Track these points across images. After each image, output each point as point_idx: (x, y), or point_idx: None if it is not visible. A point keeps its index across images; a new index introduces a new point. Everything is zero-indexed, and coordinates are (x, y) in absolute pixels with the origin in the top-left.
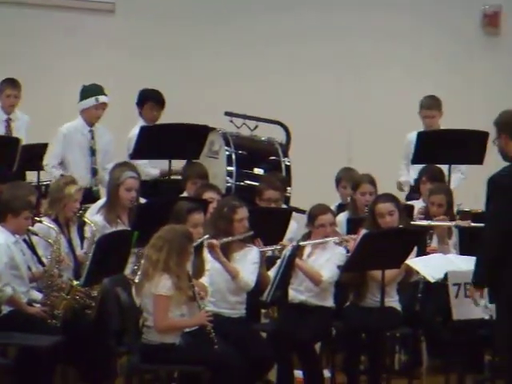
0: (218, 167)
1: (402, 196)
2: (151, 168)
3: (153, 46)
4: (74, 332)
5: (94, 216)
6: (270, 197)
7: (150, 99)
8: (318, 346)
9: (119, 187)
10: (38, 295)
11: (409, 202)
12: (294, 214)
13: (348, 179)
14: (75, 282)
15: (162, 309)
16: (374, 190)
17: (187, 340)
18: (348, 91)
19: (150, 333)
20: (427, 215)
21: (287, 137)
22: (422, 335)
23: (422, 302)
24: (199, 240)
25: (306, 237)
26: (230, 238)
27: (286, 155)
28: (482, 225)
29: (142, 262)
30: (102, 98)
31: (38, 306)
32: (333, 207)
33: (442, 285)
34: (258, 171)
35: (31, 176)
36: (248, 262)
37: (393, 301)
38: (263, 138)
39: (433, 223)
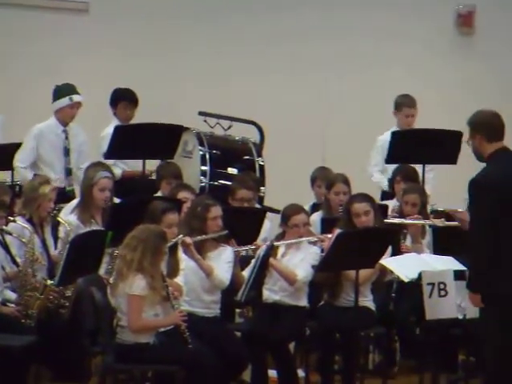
0: (192, 167)
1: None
2: (116, 168)
3: (127, 45)
4: (48, 332)
5: (68, 216)
6: (243, 196)
7: (124, 98)
8: (292, 346)
9: (93, 187)
10: (11, 295)
11: (383, 202)
12: (268, 213)
13: (323, 178)
14: (49, 282)
15: (136, 309)
16: (348, 189)
17: (161, 340)
18: (322, 90)
19: (124, 333)
20: (401, 214)
21: (261, 136)
22: (396, 335)
23: (395, 302)
24: (174, 240)
25: (280, 237)
26: (203, 237)
27: (259, 155)
28: (455, 223)
29: (117, 261)
30: (76, 98)
31: (12, 305)
32: (307, 207)
33: (415, 284)
34: (231, 171)
35: (5, 175)
36: (222, 261)
37: (367, 300)
38: (237, 138)
39: (406, 221)
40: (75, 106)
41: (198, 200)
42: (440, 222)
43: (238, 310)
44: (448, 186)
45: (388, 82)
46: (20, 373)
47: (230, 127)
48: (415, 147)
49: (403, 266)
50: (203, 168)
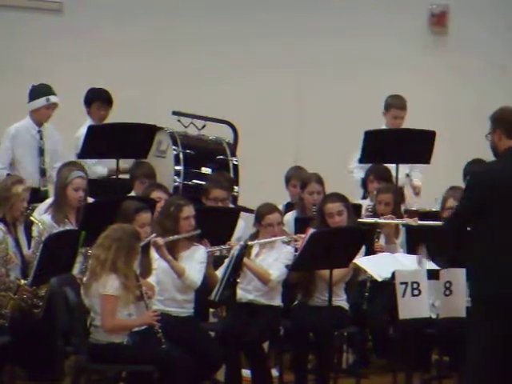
0: (166, 166)
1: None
2: (100, 166)
3: (100, 45)
4: (22, 331)
5: (41, 215)
6: (217, 196)
7: (97, 98)
8: (266, 345)
9: (67, 187)
10: None
11: (357, 202)
12: (242, 213)
13: (297, 178)
14: (23, 282)
15: (110, 309)
16: (322, 189)
17: (135, 339)
18: (296, 90)
19: (98, 332)
20: (375, 214)
21: (235, 136)
22: (370, 334)
23: (369, 301)
24: (146, 239)
25: (254, 236)
26: (175, 237)
27: (233, 154)
28: (429, 223)
29: (90, 261)
30: (52, 98)
31: None
32: (281, 206)
33: (389, 284)
34: (205, 170)
35: None
36: (195, 261)
37: (340, 300)
38: (211, 138)
39: (380, 221)
40: (51, 106)
41: (171, 200)
42: (413, 222)
43: (211, 310)
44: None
45: (361, 81)
46: None
47: (203, 127)
48: (388, 147)
49: (377, 265)
50: (177, 168)
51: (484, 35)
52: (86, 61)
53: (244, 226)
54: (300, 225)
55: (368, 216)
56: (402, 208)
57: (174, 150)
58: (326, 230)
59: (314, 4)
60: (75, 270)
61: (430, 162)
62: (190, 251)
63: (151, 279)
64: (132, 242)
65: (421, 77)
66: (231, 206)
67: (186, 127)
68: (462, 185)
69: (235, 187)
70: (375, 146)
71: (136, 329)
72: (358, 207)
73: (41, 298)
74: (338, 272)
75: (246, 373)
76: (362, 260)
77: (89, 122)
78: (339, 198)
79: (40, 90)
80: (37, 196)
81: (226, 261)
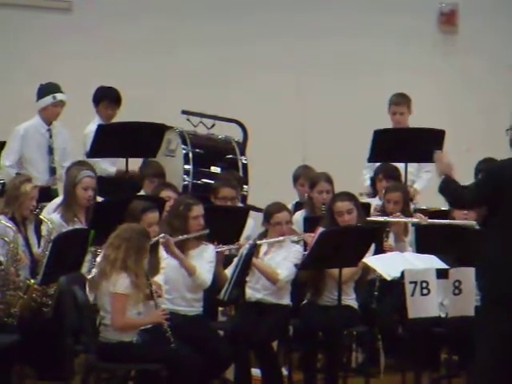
0: (175, 166)
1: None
2: (109, 165)
3: (110, 44)
4: (31, 330)
5: (51, 214)
6: (226, 195)
7: (106, 97)
8: (274, 344)
9: (76, 186)
10: None
11: (366, 201)
12: (251, 212)
13: (305, 177)
14: (32, 281)
15: (120, 307)
16: (331, 188)
17: (144, 338)
18: (305, 90)
19: (107, 331)
20: (383, 213)
21: (244, 135)
22: (379, 333)
23: (378, 300)
24: (154, 239)
25: (263, 235)
26: (185, 236)
27: (243, 153)
28: (439, 221)
29: (99, 260)
30: (59, 96)
31: None
32: (290, 206)
33: (398, 283)
34: (214, 169)
35: None
36: (204, 261)
37: (350, 299)
38: (220, 137)
39: (389, 219)
40: (59, 104)
41: (180, 199)
42: (423, 220)
43: (220, 309)
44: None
45: (369, 80)
46: (3, 372)
47: (213, 126)
48: (397, 146)
49: (386, 264)
50: (186, 167)
51: (493, 34)
52: (95, 60)
53: (253, 225)
54: (309, 224)
55: (377, 215)
56: (412, 207)
57: (184, 149)
58: (335, 228)
59: (321, 3)
60: (84, 269)
61: None
62: (199, 250)
63: (159, 278)
64: (141, 240)
65: (429, 76)
66: (240, 205)
67: (195, 126)
68: None
69: (244, 186)
70: (384, 145)
71: (144, 327)
72: (367, 206)
73: (50, 296)
74: (347, 271)
75: (255, 372)
76: (371, 259)
77: (97, 120)
78: (348, 196)
79: (47, 89)
80: (46, 194)
81: (235, 260)
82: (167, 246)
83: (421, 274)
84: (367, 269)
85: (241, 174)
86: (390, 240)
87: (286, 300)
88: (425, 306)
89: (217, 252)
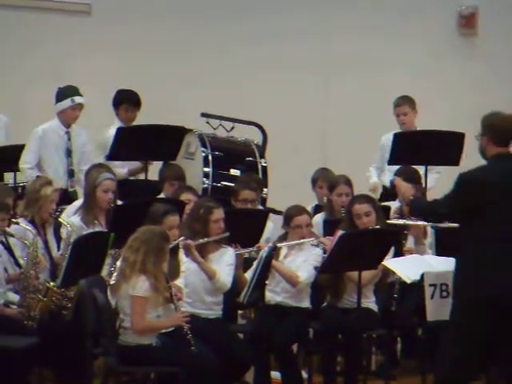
0: (195, 168)
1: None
2: (120, 168)
3: (129, 47)
4: (50, 333)
5: (71, 217)
6: (246, 197)
7: (126, 100)
8: (294, 347)
9: (96, 188)
10: (14, 297)
11: (385, 203)
12: (270, 215)
13: (324, 180)
14: (52, 284)
15: (140, 310)
16: (350, 190)
17: (164, 341)
18: (325, 92)
19: (127, 334)
20: (402, 215)
21: (264, 138)
22: (398, 336)
23: (398, 303)
24: (174, 242)
25: (283, 238)
26: (205, 239)
27: (262, 156)
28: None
29: (119, 263)
30: (77, 99)
31: (15, 307)
32: (309, 208)
33: (418, 286)
34: (234, 172)
35: (7, 177)
36: (224, 264)
37: (369, 302)
38: (240, 139)
39: (409, 222)
40: (77, 107)
41: (200, 202)
42: (442, 223)
43: (240, 312)
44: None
45: (389, 83)
46: (22, 374)
47: (232, 128)
48: (417, 148)
49: (405, 267)
50: (206, 169)
51: None
52: (114, 62)
53: (273, 227)
54: (329, 227)
55: (396, 217)
56: None
57: (203, 151)
58: (354, 231)
59: (343, 4)
60: (104, 272)
61: (459, 163)
62: (219, 253)
63: (179, 282)
64: (161, 243)
65: (449, 79)
66: (260, 207)
67: (214, 129)
68: None
69: (264, 189)
70: (404, 148)
71: (165, 330)
72: (386, 209)
73: (70, 299)
74: (366, 274)
75: (275, 375)
76: (390, 262)
77: (117, 123)
78: (367, 199)
79: (66, 92)
80: (65, 197)
81: (255, 263)
82: (187, 249)
83: (440, 276)
84: (387, 271)
85: (260, 176)
86: (410, 243)
87: (306, 303)
88: (444, 309)
89: (236, 255)
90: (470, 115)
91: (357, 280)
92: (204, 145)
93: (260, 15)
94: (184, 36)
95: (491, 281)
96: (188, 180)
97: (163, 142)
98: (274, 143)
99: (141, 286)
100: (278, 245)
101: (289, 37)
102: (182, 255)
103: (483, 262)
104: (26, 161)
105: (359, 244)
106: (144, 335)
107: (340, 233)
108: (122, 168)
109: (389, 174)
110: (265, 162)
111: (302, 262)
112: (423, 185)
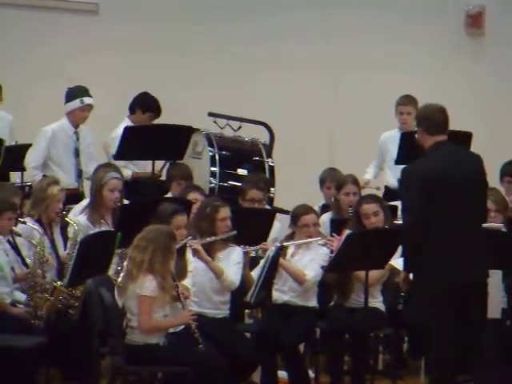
0: (202, 168)
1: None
2: (125, 169)
3: (136, 46)
4: (58, 333)
5: (77, 216)
6: (253, 197)
7: (150, 110)
8: (301, 347)
9: (103, 188)
10: (21, 296)
11: (393, 203)
12: (277, 214)
13: (332, 179)
14: (59, 283)
15: (147, 309)
16: (358, 190)
17: (171, 340)
18: (332, 92)
19: (134, 333)
20: None
21: (271, 137)
22: (405, 336)
23: (405, 302)
24: (182, 241)
25: (290, 237)
26: (212, 238)
27: (269, 156)
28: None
29: (126, 263)
30: (86, 100)
31: (22, 306)
32: (317, 208)
33: None
34: (241, 172)
35: (14, 176)
36: (231, 262)
37: (377, 301)
38: (247, 139)
39: None
40: (86, 108)
41: (207, 201)
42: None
43: (247, 311)
44: None
45: (396, 83)
46: (30, 374)
47: (239, 128)
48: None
49: None
50: (213, 169)
51: None
52: (121, 61)
53: (280, 227)
54: (336, 226)
55: None
56: None
57: (210, 151)
58: (362, 231)
59: (353, 4)
60: (111, 271)
61: None
62: (227, 252)
63: (186, 281)
64: (168, 242)
65: (456, 79)
66: (267, 207)
67: (221, 128)
68: (498, 185)
69: (271, 188)
70: (412, 147)
71: (172, 330)
72: (394, 208)
73: (77, 298)
74: (374, 273)
75: (282, 374)
76: (398, 261)
77: (126, 122)
78: (375, 198)
79: (75, 92)
80: (73, 197)
81: (262, 262)
82: (194, 248)
83: None
84: (394, 271)
85: (267, 176)
86: None
87: (313, 302)
88: None
89: (243, 253)
90: (477, 115)
91: (364, 279)
92: (211, 144)
93: (268, 16)
94: (192, 35)
95: (440, 268)
96: (195, 179)
97: (170, 141)
98: (281, 143)
99: (148, 285)
100: (285, 243)
101: (299, 36)
102: (189, 255)
103: (431, 248)
104: (32, 159)
105: (366, 243)
106: (151, 335)
107: (347, 232)
108: (125, 170)
109: (391, 173)
110: (272, 162)
111: (309, 260)
112: None
